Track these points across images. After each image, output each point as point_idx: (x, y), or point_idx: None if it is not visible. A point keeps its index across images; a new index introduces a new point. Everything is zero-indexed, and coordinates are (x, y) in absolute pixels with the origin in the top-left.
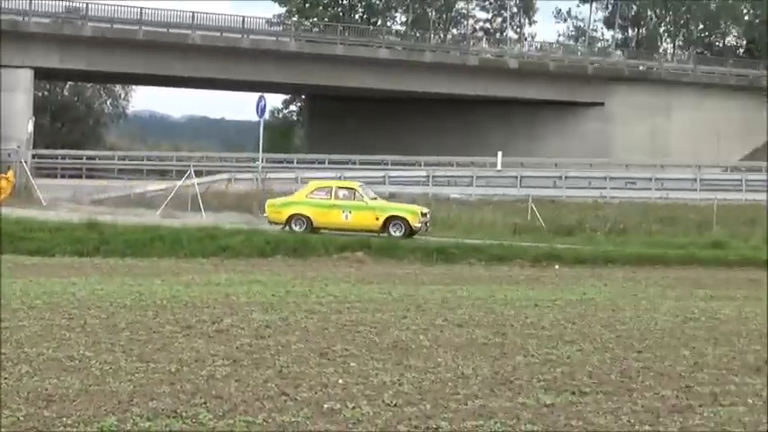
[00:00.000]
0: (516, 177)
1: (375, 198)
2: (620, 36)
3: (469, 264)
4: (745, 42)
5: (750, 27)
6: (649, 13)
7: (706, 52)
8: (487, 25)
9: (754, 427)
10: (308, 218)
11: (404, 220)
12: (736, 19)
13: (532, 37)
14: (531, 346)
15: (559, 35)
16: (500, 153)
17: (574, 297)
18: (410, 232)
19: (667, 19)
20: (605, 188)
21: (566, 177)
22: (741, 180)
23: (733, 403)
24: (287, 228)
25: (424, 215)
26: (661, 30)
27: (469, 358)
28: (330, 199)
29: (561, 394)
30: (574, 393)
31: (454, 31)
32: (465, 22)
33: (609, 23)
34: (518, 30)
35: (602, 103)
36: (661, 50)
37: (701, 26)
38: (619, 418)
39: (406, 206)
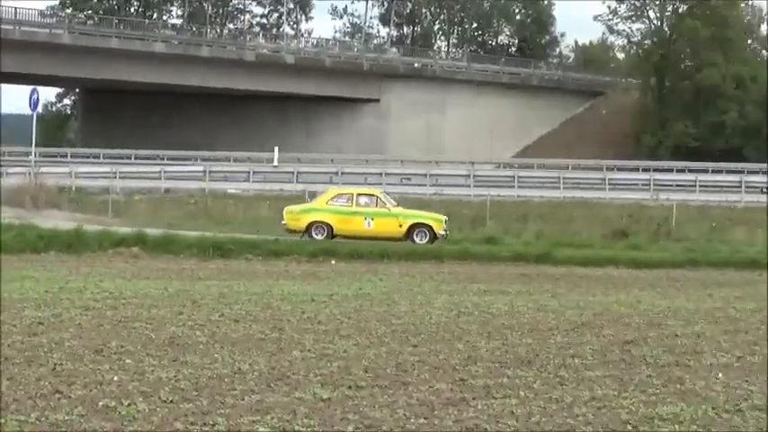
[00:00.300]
0: (293, 173)
1: (397, 205)
2: (395, 33)
3: (246, 259)
4: (516, 41)
5: (522, 26)
6: (424, 11)
7: (480, 50)
8: (264, 20)
9: (525, 419)
10: (329, 225)
11: (428, 227)
12: (508, 18)
13: (309, 33)
14: (308, 341)
15: (336, 32)
16: (276, 149)
17: (350, 292)
18: (434, 239)
19: (442, 17)
20: (381, 184)
21: (342, 173)
22: (513, 177)
23: (506, 396)
24: (306, 236)
25: (446, 222)
26: (436, 27)
27: (246, 353)
28: (351, 206)
29: (338, 389)
30: (350, 387)
31: (231, 25)
32: (242, 17)
33: (384, 21)
34: (295, 26)
35: (377, 100)
36: (436, 48)
37: (475, 24)
38: (395, 411)
39: (429, 213)
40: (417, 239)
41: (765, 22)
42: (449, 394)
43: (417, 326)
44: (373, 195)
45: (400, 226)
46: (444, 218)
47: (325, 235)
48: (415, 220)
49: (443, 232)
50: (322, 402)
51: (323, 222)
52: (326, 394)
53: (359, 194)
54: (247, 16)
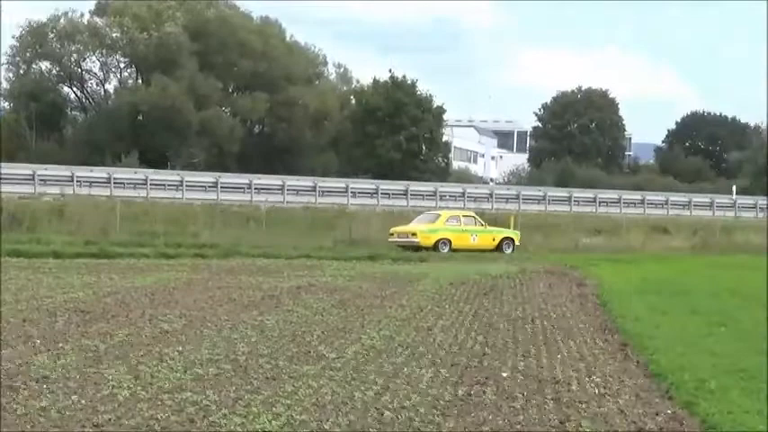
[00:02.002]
0: None
1: (483, 224)
2: None
3: None
4: None
5: None
6: None
7: None
8: None
9: None
10: (449, 240)
11: (512, 240)
12: None
13: None
14: None
15: None
16: None
17: None
18: (514, 248)
19: None
20: None
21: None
22: None
23: None
24: (434, 249)
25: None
26: None
27: None
28: (460, 225)
29: None
30: None
31: None
32: None
33: None
34: None
35: None
36: None
37: None
38: None
39: (509, 230)
40: (505, 249)
41: None
42: None
43: None
44: (472, 217)
45: (494, 240)
46: (517, 232)
47: (447, 248)
48: (504, 235)
49: (518, 243)
50: None
51: (446, 239)
52: None
53: (463, 216)
54: None
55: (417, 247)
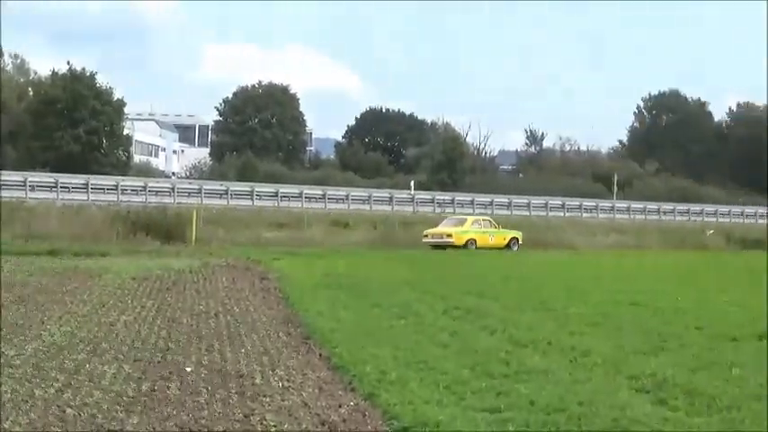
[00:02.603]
0: None
1: (497, 227)
2: None
3: None
4: None
5: None
6: None
7: None
8: None
9: None
10: (475, 240)
11: (517, 239)
12: None
13: None
14: None
15: None
16: None
17: None
18: (519, 246)
19: None
20: None
21: None
22: None
23: None
24: (464, 247)
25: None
26: None
27: None
28: (481, 228)
29: None
30: None
31: None
32: None
33: None
34: None
35: None
36: None
37: None
38: None
39: (514, 231)
40: (512, 247)
41: None
42: None
43: None
44: (488, 220)
45: (504, 239)
46: (520, 233)
47: (474, 246)
48: (511, 236)
49: (521, 242)
50: None
51: (473, 239)
52: None
53: (483, 220)
54: None
55: (451, 246)
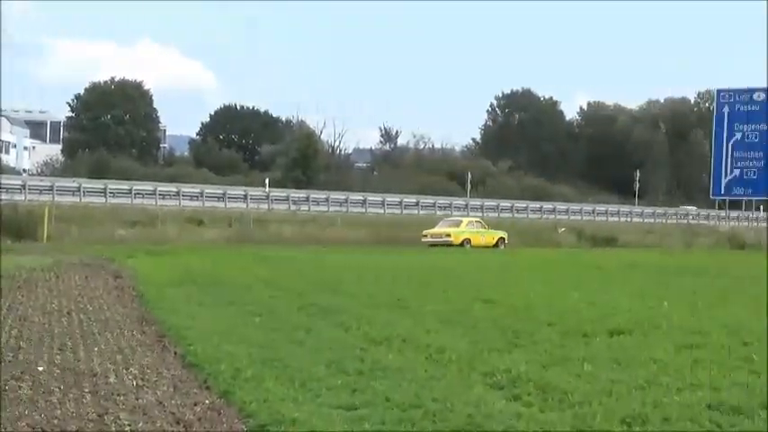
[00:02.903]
0: None
1: (486, 227)
2: None
3: None
4: None
5: None
6: None
7: None
8: None
9: None
10: (470, 239)
11: (503, 239)
12: None
13: None
14: None
15: None
16: None
17: None
18: (505, 245)
19: None
20: None
21: None
22: None
23: None
24: (461, 245)
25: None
26: None
27: None
28: (475, 228)
29: None
30: None
31: None
32: None
33: None
34: None
35: None
36: None
37: None
38: None
39: (501, 231)
40: (500, 246)
41: None
42: None
43: None
44: (480, 222)
45: (493, 239)
46: (506, 233)
47: (470, 245)
48: (499, 236)
49: (507, 241)
50: None
51: (468, 238)
52: None
53: (475, 221)
54: None
55: (450, 245)
